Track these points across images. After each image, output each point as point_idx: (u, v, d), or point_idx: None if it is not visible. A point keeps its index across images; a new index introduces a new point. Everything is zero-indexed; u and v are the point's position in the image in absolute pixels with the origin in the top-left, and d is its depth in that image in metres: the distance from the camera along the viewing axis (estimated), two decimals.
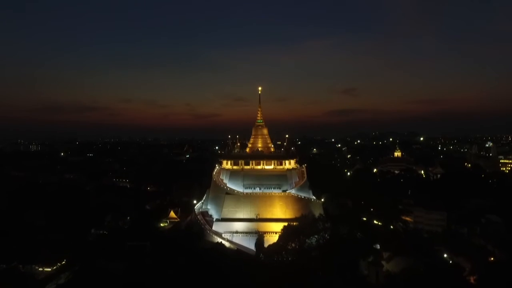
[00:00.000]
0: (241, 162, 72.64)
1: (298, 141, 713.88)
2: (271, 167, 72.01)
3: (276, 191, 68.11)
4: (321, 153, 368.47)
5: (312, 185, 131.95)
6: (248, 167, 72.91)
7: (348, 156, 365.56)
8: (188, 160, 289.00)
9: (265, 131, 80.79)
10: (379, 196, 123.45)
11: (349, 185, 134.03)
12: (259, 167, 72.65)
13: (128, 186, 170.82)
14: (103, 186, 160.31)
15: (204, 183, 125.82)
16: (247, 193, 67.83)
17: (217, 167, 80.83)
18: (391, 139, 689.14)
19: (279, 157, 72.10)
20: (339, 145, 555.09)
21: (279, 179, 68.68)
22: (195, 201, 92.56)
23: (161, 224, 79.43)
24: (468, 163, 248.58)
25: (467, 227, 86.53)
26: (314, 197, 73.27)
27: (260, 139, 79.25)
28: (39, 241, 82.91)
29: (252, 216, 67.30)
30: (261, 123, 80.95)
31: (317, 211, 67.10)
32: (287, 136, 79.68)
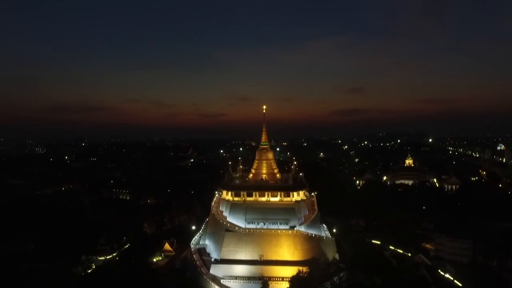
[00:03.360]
0: (243, 193, 64.19)
1: (304, 142, 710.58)
2: (277, 199, 63.29)
3: (283, 227, 59.42)
4: (328, 157, 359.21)
5: (321, 203, 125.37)
6: (251, 198, 64.18)
7: (356, 160, 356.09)
8: (192, 166, 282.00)
9: (270, 155, 71.75)
10: (394, 214, 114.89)
11: (360, 200, 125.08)
12: (263, 199, 63.91)
13: (128, 197, 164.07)
14: (101, 200, 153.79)
15: (204, 201, 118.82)
16: (249, 231, 58.96)
17: (217, 195, 72.54)
18: (399, 141, 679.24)
19: (287, 188, 63.20)
20: (346, 147, 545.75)
21: (287, 212, 59.84)
22: (193, 227, 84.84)
23: (155, 259, 71.94)
24: (483, 170, 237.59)
25: (496, 259, 77.29)
26: (326, 231, 64.36)
27: (264, 165, 70.55)
28: (22, 271, 75.84)
29: (255, 257, 58.73)
30: (266, 146, 71.99)
31: (330, 252, 58.58)
32: (295, 163, 70.85)
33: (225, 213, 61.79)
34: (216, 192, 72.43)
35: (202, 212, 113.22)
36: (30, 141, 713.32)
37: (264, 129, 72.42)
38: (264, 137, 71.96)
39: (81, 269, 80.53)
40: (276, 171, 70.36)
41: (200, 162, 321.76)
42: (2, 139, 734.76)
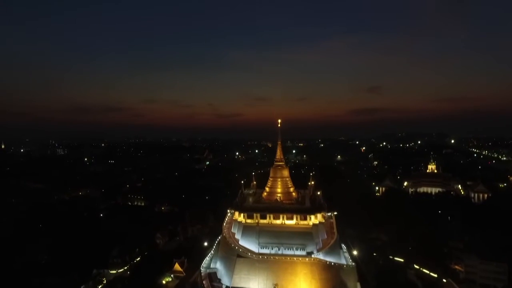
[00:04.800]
0: (257, 215, 60.11)
1: (321, 142, 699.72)
2: (293, 222, 58.86)
3: (299, 253, 54.99)
4: (346, 160, 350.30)
5: (339, 213, 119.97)
6: (264, 221, 59.96)
7: (375, 163, 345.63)
8: (207, 169, 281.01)
9: (286, 172, 67.22)
10: (417, 226, 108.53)
11: (380, 210, 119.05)
12: (278, 221, 59.59)
13: (143, 203, 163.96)
14: (116, 206, 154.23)
15: (218, 212, 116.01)
16: (263, 257, 54.83)
17: (229, 214, 68.94)
18: (419, 142, 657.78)
19: (303, 210, 58.53)
20: (364, 148, 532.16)
21: (303, 237, 55.33)
22: (205, 243, 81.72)
23: (164, 281, 69.46)
24: None
25: None
26: (346, 254, 59.47)
27: (279, 183, 66.27)
28: (33, 286, 75.31)
29: (269, 286, 54.38)
30: (281, 163, 67.60)
31: (351, 281, 53.55)
32: (312, 182, 66.23)
33: (237, 236, 58.21)
34: (228, 211, 69.11)
35: (215, 223, 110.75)
36: (53, 142, 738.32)
37: (279, 144, 68.03)
38: (279, 153, 67.62)
39: (92, 283, 79.17)
40: (292, 189, 66.01)
41: (216, 165, 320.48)
42: (27, 140, 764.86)
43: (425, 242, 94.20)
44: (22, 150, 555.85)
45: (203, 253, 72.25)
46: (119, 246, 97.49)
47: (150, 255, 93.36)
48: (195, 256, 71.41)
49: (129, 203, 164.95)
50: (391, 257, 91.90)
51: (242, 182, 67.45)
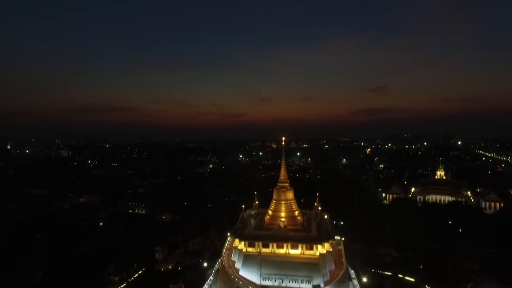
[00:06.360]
0: (258, 243, 55.79)
1: (326, 143, 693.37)
2: (298, 251, 54.45)
3: (305, 286, 50.48)
4: (351, 164, 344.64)
5: (345, 224, 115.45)
6: (267, 250, 55.47)
7: (381, 166, 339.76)
8: (210, 173, 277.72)
9: (290, 194, 62.60)
10: (427, 240, 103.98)
11: (388, 221, 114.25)
12: (281, 251, 55.07)
13: (144, 211, 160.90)
14: (117, 214, 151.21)
15: (219, 223, 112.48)
16: None
17: (229, 239, 64.64)
18: (425, 143, 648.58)
19: (309, 239, 53.91)
20: (369, 150, 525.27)
21: (309, 268, 50.67)
22: (205, 264, 77.92)
23: None
24: None
25: None
26: (356, 284, 55.22)
27: (283, 206, 61.79)
28: None
29: None
30: (285, 184, 63.10)
31: None
32: (319, 208, 61.64)
33: (237, 265, 54.06)
34: (229, 235, 64.98)
35: (217, 235, 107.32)
36: (58, 142, 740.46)
37: (283, 163, 63.54)
38: (283, 173, 63.13)
39: None
40: (297, 213, 61.60)
41: (219, 169, 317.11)
42: (33, 140, 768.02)
43: (437, 260, 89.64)
44: (27, 151, 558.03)
45: (202, 275, 68.56)
46: (116, 261, 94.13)
47: (148, 272, 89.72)
48: (194, 277, 67.62)
49: (129, 210, 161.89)
50: (400, 275, 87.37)
51: (243, 206, 63.27)
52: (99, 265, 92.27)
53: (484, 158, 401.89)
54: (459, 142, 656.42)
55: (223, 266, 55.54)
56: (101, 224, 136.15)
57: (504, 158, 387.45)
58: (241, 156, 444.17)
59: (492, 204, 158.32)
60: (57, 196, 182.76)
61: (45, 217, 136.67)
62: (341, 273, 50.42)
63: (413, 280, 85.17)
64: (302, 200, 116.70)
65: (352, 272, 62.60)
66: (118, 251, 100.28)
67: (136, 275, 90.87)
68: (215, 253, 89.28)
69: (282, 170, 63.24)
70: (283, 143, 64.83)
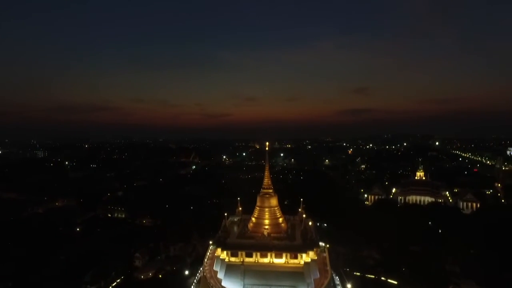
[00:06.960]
0: (241, 253, 54.10)
1: (309, 144, 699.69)
2: (283, 260, 53.30)
3: None
4: (333, 164, 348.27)
5: (329, 227, 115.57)
6: (250, 259, 53.78)
7: (362, 167, 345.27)
8: (193, 175, 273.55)
9: (274, 201, 61.20)
10: (407, 241, 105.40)
11: (370, 223, 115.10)
12: (265, 260, 53.59)
13: (124, 215, 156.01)
14: (95, 219, 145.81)
15: (202, 227, 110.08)
16: None
17: (211, 248, 62.55)
18: (405, 144, 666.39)
19: (294, 248, 52.81)
20: (351, 150, 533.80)
21: (294, 278, 49.56)
22: (186, 272, 75.57)
23: None
24: (498, 183, 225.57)
25: None
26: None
27: (267, 213, 60.28)
28: None
29: None
30: (269, 191, 61.67)
31: None
32: (304, 215, 60.34)
33: (220, 275, 52.21)
34: (211, 244, 62.90)
35: (199, 240, 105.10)
36: (34, 142, 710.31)
37: (266, 168, 62.20)
38: (266, 180, 61.55)
39: None
40: (281, 220, 60.28)
41: (202, 170, 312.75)
42: (6, 140, 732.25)
43: (418, 262, 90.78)
44: (0, 152, 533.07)
45: (183, 284, 66.23)
46: (93, 269, 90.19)
47: (127, 280, 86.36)
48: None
49: (109, 214, 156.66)
50: (383, 278, 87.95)
51: (226, 214, 61.41)
52: (74, 274, 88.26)
53: (460, 159, 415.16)
54: (437, 143, 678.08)
55: (204, 277, 53.62)
56: (78, 229, 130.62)
57: (480, 159, 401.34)
58: (224, 156, 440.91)
59: (469, 204, 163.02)
60: (30, 200, 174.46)
61: (17, 223, 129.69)
62: (326, 282, 49.59)
63: (395, 282, 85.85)
64: (286, 202, 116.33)
65: (337, 278, 62.04)
66: (95, 259, 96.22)
67: (114, 283, 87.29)
68: (197, 259, 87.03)
69: (265, 176, 61.81)
70: (267, 148, 63.50)
